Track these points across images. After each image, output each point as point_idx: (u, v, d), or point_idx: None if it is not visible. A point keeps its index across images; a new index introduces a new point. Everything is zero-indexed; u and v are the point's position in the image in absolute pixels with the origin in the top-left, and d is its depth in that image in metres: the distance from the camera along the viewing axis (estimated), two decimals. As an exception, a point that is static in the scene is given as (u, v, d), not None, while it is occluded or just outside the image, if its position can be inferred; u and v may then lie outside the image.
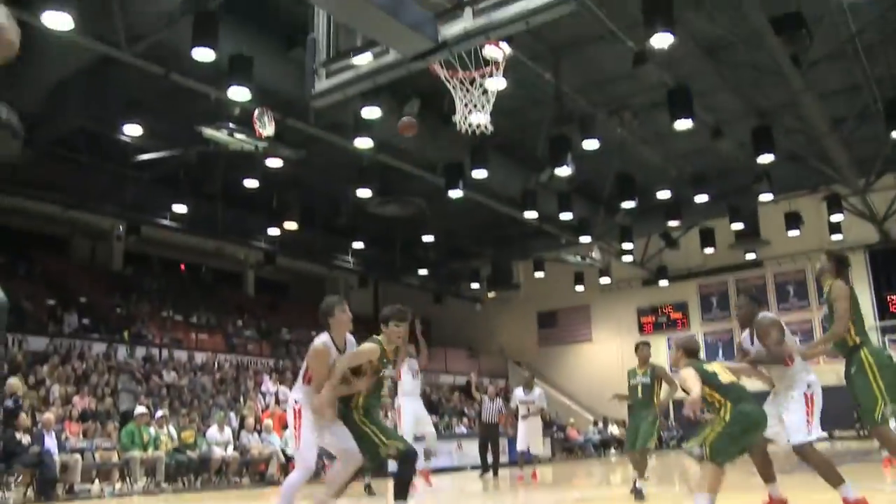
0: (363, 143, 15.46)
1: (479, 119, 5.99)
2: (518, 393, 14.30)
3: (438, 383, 27.21)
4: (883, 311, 26.91)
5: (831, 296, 5.87)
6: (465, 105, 5.78)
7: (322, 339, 5.73)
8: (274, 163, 17.07)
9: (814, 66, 14.75)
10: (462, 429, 22.71)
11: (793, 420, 5.81)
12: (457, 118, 6.13)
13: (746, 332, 6.52)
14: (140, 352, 18.95)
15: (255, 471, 14.98)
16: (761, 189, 20.10)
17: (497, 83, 5.81)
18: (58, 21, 10.17)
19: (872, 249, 26.88)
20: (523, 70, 14.76)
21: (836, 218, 23.00)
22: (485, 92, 5.79)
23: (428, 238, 24.98)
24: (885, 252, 26.76)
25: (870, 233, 25.31)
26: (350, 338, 5.91)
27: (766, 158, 17.14)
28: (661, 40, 11.72)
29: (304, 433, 5.73)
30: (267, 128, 13.99)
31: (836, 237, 24.16)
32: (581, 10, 11.31)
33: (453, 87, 5.65)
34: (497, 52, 5.56)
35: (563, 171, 16.61)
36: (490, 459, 15.38)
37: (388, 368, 6.00)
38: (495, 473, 15.26)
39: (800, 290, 28.04)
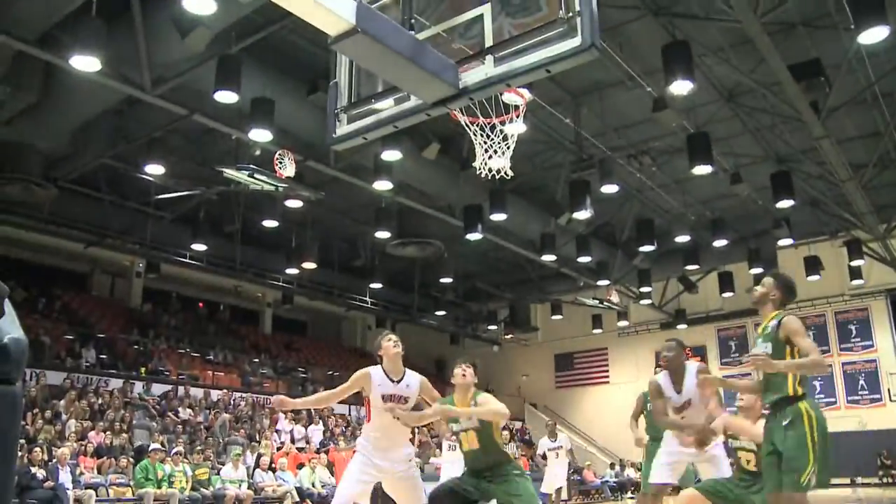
0: (383, 185, 15.63)
1: (498, 164, 6.05)
2: (544, 442, 14.04)
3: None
4: None
5: (783, 330, 5.03)
6: (486, 150, 5.85)
7: (369, 368, 5.77)
8: (293, 203, 17.27)
9: (833, 112, 14.66)
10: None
11: None
12: (477, 163, 6.20)
13: (667, 378, 6.71)
14: (156, 388, 19.00)
15: (269, 509, 14.93)
16: (781, 234, 20.25)
17: (517, 128, 5.88)
18: (85, 63, 10.35)
19: (894, 294, 26.67)
20: (543, 114, 15.17)
21: (857, 263, 22.92)
22: (505, 137, 5.86)
23: (446, 279, 25.21)
24: None
25: (891, 277, 24.92)
26: (412, 373, 5.85)
27: (785, 203, 17.22)
28: (681, 87, 11.85)
29: (343, 477, 5.77)
30: (287, 169, 14.11)
31: (857, 282, 24.25)
32: (602, 57, 11.48)
33: (473, 133, 5.73)
34: (517, 98, 5.61)
35: (582, 215, 16.74)
36: None
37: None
38: None
39: (820, 336, 27.13)
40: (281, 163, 14.06)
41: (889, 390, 26.39)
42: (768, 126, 16.42)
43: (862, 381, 26.78)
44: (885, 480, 23.87)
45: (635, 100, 14.95)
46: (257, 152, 14.50)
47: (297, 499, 15.00)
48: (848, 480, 23.40)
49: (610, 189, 16.23)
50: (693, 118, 15.49)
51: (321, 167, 15.60)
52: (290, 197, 16.74)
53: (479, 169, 6.28)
